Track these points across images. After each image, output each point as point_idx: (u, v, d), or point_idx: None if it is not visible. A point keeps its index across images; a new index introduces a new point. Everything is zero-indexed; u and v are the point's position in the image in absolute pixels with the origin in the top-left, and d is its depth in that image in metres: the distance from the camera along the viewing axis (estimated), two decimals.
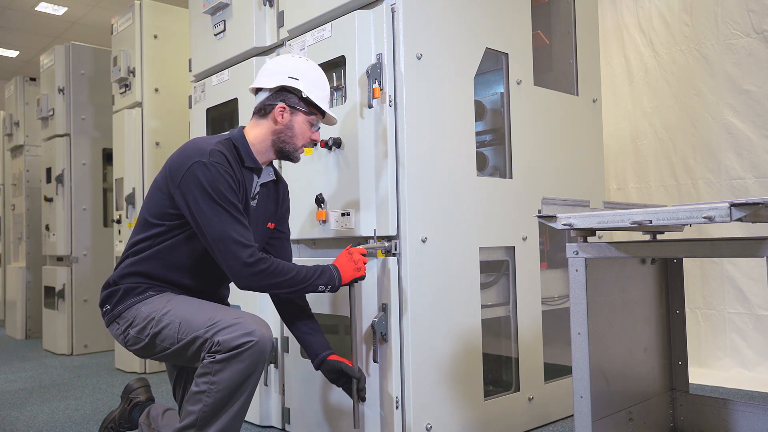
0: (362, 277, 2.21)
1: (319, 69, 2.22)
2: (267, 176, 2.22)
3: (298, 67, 2.15)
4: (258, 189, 2.19)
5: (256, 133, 2.15)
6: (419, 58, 2.41)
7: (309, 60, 2.22)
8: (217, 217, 1.95)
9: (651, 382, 2.30)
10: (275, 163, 2.35)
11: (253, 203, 2.18)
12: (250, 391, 1.93)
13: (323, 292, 2.12)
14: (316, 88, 2.15)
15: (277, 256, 2.26)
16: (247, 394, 1.93)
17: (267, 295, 2.89)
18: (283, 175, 2.89)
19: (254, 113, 2.19)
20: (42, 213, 5.63)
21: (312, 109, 2.15)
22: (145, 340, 2.02)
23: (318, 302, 2.59)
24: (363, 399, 2.22)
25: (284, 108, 2.12)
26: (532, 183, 2.84)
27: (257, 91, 2.19)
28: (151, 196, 2.12)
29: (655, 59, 4.20)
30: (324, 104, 2.17)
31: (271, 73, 2.16)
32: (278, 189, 2.31)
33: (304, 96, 2.12)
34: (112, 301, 2.09)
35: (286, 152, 2.17)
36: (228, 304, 2.32)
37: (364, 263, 2.21)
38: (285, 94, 2.13)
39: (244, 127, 2.19)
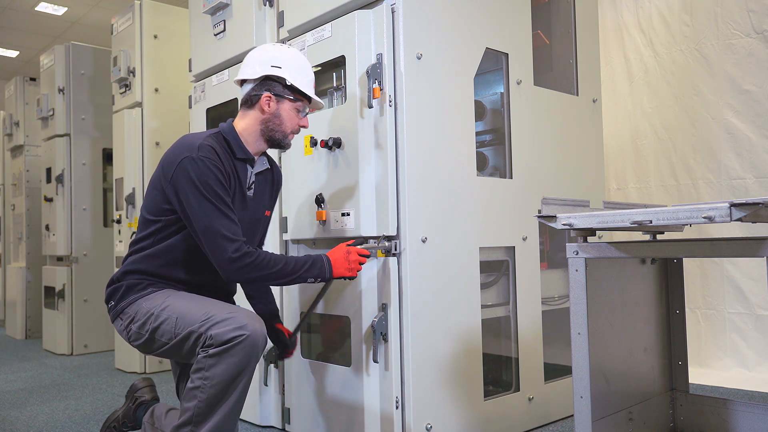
0: (352, 278, 2.21)
1: (301, 55, 2.24)
2: (261, 165, 2.26)
3: (280, 55, 2.18)
4: (253, 179, 2.22)
5: (244, 124, 2.18)
6: (419, 58, 2.41)
7: (291, 47, 2.26)
8: (204, 211, 1.98)
9: (651, 382, 2.30)
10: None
11: (250, 193, 2.21)
12: (244, 385, 1.94)
13: (313, 283, 2.14)
14: (299, 74, 2.17)
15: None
16: (240, 389, 1.93)
17: None
18: (282, 175, 2.91)
19: (241, 105, 2.22)
20: (42, 213, 5.63)
21: (297, 95, 2.18)
22: (145, 335, 2.05)
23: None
24: (276, 365, 2.59)
25: (270, 97, 2.15)
26: (532, 183, 2.84)
27: (242, 82, 2.22)
28: (148, 194, 2.16)
29: (655, 59, 4.20)
30: (309, 90, 2.19)
31: (254, 63, 2.18)
32: (273, 175, 2.35)
33: (288, 83, 2.15)
34: (116, 297, 2.13)
35: (276, 140, 2.20)
36: (233, 301, 2.33)
37: (360, 264, 2.20)
38: (269, 83, 2.15)
39: (233, 120, 2.22)
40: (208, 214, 1.98)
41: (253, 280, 2.05)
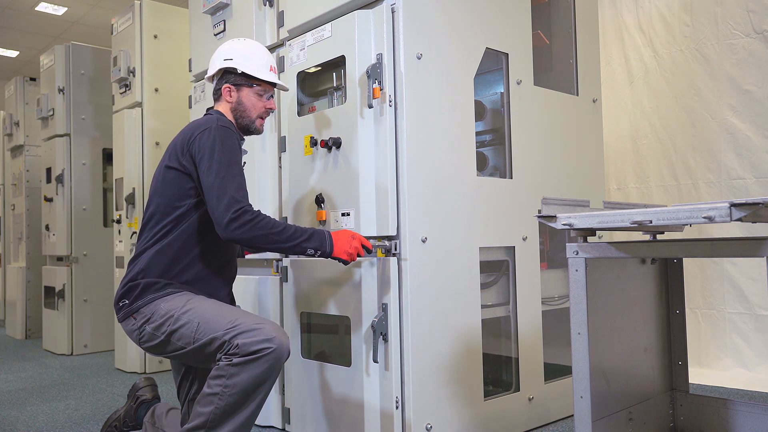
0: (345, 262, 2.19)
1: (255, 44, 2.35)
2: (243, 149, 2.34)
3: (231, 49, 2.31)
4: (244, 159, 2.34)
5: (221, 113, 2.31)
6: (419, 58, 2.41)
7: (246, 39, 2.37)
8: (218, 171, 2.04)
9: (651, 382, 2.30)
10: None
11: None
12: (263, 397, 1.94)
13: (312, 256, 2.13)
14: (250, 61, 2.29)
15: None
16: (259, 400, 1.93)
17: (268, 300, 2.90)
18: (282, 174, 2.91)
19: (214, 100, 2.36)
20: (42, 213, 5.63)
21: (254, 81, 2.29)
22: (161, 337, 2.03)
23: (316, 302, 2.60)
24: None
25: (229, 87, 2.29)
26: (532, 183, 2.84)
27: (212, 79, 2.37)
28: (165, 182, 2.16)
29: (655, 59, 4.20)
30: (261, 73, 2.29)
31: (212, 62, 2.35)
32: None
33: (240, 72, 2.26)
34: (131, 296, 2.10)
35: (245, 126, 2.32)
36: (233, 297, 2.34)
37: (358, 255, 2.21)
38: (227, 75, 2.30)
39: (212, 108, 2.35)
40: (222, 175, 2.04)
41: (250, 241, 2.04)
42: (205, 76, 2.37)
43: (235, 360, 1.87)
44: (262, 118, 2.34)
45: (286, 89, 2.44)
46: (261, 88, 2.30)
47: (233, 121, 2.30)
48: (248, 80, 2.28)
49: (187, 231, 2.13)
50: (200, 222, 2.14)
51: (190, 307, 2.02)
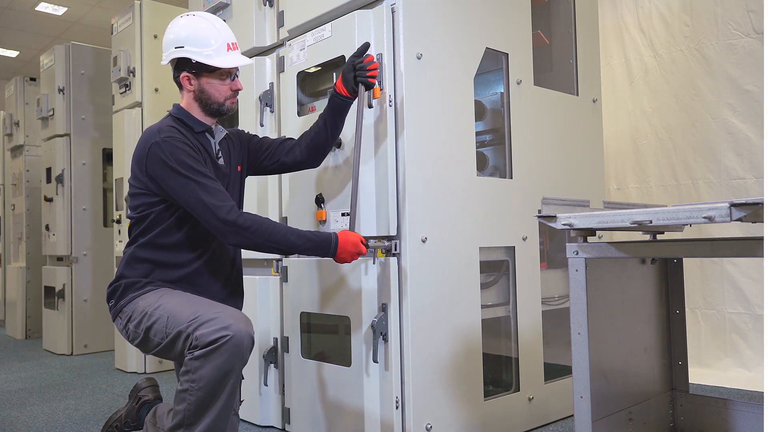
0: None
1: (206, 21, 2.18)
2: (220, 133, 2.26)
3: (181, 33, 2.16)
4: (218, 147, 2.24)
5: (185, 103, 2.22)
6: (419, 58, 2.41)
7: (196, 15, 2.22)
8: (185, 188, 2.00)
9: (651, 382, 2.30)
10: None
11: (220, 161, 2.23)
12: (232, 386, 1.92)
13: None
14: (204, 47, 2.13)
15: (288, 154, 2.35)
16: (229, 391, 1.91)
17: (268, 300, 2.90)
18: (281, 174, 2.91)
19: (177, 87, 2.24)
20: (42, 213, 5.63)
21: (213, 66, 2.14)
22: (141, 334, 2.05)
23: (316, 302, 2.59)
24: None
25: (188, 76, 2.16)
26: (532, 183, 2.84)
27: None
28: (133, 196, 2.17)
29: (655, 59, 4.20)
30: (218, 59, 2.13)
31: (164, 48, 2.20)
32: (238, 136, 2.37)
33: (194, 62, 2.13)
34: (116, 296, 2.14)
35: (214, 110, 2.20)
36: (240, 275, 2.33)
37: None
38: (183, 63, 2.15)
39: (178, 103, 2.24)
40: (192, 190, 2.00)
41: (251, 246, 2.04)
42: (162, 62, 2.24)
43: (197, 353, 1.86)
44: (231, 99, 2.21)
45: (251, 63, 2.31)
46: (221, 71, 2.15)
47: (199, 108, 2.18)
48: (206, 66, 2.13)
49: (163, 235, 2.11)
50: (176, 224, 2.12)
51: (162, 302, 2.02)
